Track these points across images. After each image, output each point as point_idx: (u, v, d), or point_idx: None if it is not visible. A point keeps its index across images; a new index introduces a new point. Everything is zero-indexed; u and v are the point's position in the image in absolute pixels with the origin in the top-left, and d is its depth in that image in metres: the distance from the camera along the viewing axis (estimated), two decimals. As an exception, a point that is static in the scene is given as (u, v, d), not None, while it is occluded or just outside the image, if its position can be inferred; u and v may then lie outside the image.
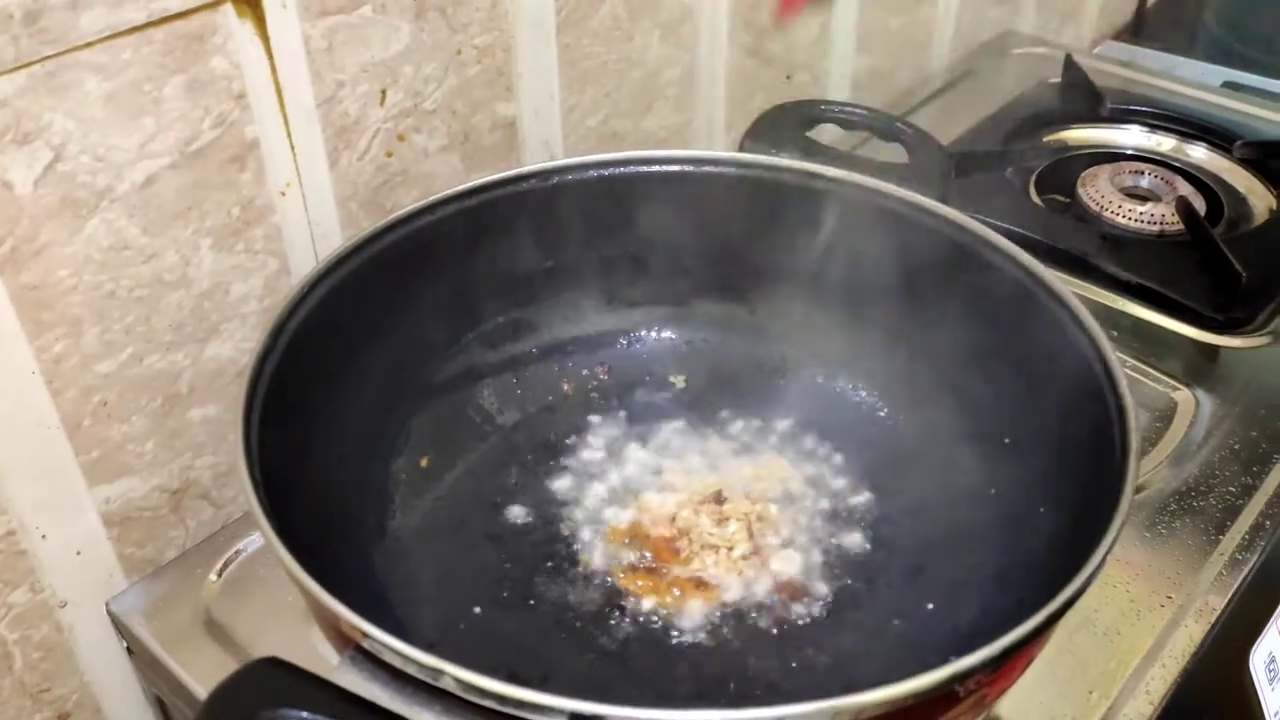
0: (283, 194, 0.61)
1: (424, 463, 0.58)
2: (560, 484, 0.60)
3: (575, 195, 0.60)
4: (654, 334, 0.65)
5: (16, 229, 0.52)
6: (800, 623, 0.53)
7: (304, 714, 0.34)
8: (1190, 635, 0.56)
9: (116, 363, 0.58)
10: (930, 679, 0.36)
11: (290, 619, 0.56)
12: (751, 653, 0.51)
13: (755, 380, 0.65)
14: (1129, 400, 0.47)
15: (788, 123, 0.65)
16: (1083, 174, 0.89)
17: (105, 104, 0.53)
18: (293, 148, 0.61)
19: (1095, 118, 0.96)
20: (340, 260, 0.55)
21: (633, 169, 0.61)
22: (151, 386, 0.59)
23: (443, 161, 0.69)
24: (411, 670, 0.37)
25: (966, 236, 0.57)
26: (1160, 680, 0.54)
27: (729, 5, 0.83)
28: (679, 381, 0.65)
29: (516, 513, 0.58)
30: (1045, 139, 0.95)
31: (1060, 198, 0.89)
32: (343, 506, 0.52)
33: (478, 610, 0.52)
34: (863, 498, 0.59)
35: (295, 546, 0.41)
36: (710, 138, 0.88)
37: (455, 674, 0.36)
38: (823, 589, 0.54)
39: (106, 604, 0.60)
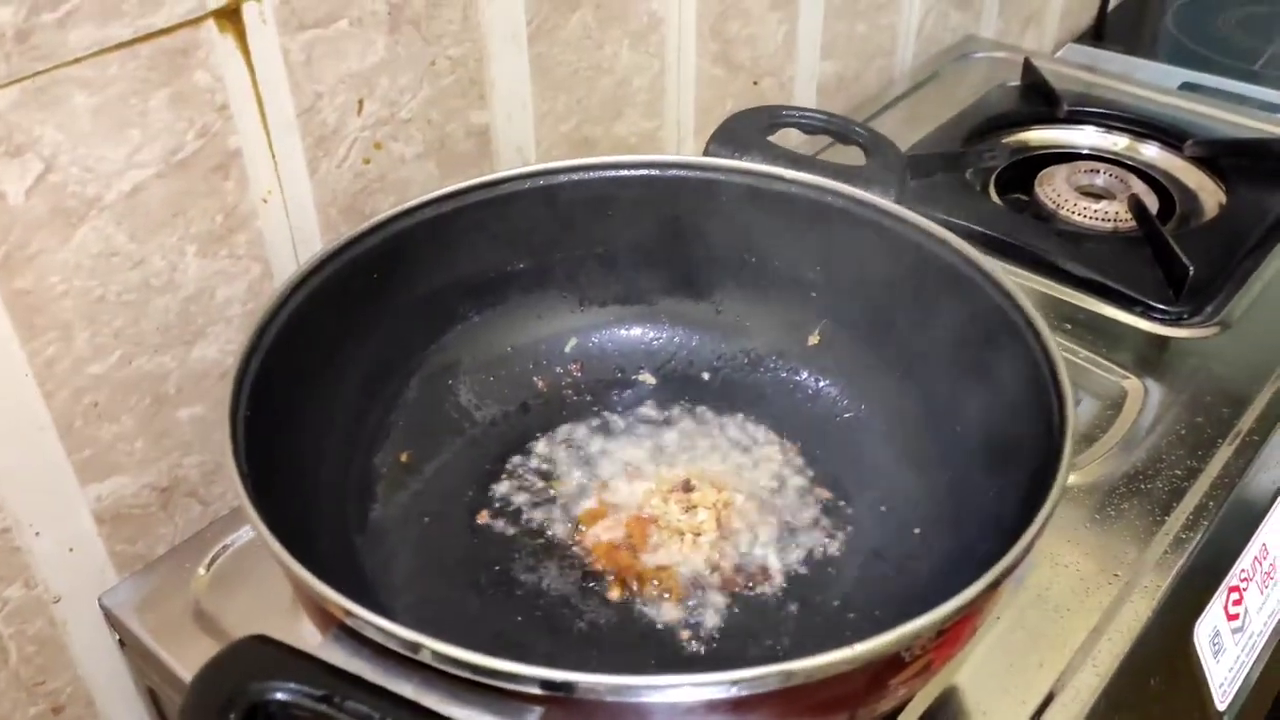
0: (265, 201, 0.64)
1: (404, 457, 0.61)
2: (535, 476, 0.62)
3: (544, 199, 0.63)
4: (624, 332, 0.68)
5: (9, 237, 0.54)
6: (765, 606, 0.56)
7: (291, 685, 0.37)
8: (1136, 611, 0.59)
9: (106, 365, 0.60)
10: (876, 643, 0.38)
11: (277, 609, 0.59)
12: (720, 635, 0.54)
13: (721, 375, 0.67)
14: (1067, 386, 0.50)
15: (751, 127, 0.68)
16: (1040, 174, 0.92)
17: (93, 117, 0.55)
18: (274, 156, 0.63)
19: (1053, 119, 0.99)
20: (320, 264, 0.57)
21: (599, 173, 0.63)
22: (140, 387, 0.62)
23: (419, 168, 0.71)
24: (391, 645, 0.39)
25: (912, 232, 0.60)
26: (1107, 654, 0.56)
27: (696, 14, 0.86)
28: (648, 378, 0.68)
29: (494, 504, 0.60)
30: (1004, 140, 0.98)
31: (1019, 196, 0.92)
32: (326, 498, 0.55)
33: (456, 595, 0.55)
34: (823, 488, 0.61)
35: (281, 536, 0.43)
36: (680, 143, 0.91)
37: (432, 647, 0.38)
38: (786, 574, 0.57)
39: (99, 598, 0.62)
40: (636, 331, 0.68)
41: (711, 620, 0.54)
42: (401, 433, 0.61)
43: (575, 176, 0.64)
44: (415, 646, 0.39)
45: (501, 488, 0.61)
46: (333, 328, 0.58)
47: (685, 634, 0.54)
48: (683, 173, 0.65)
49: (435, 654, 0.38)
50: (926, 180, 0.89)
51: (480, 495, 0.61)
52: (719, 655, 0.53)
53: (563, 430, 0.64)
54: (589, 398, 0.66)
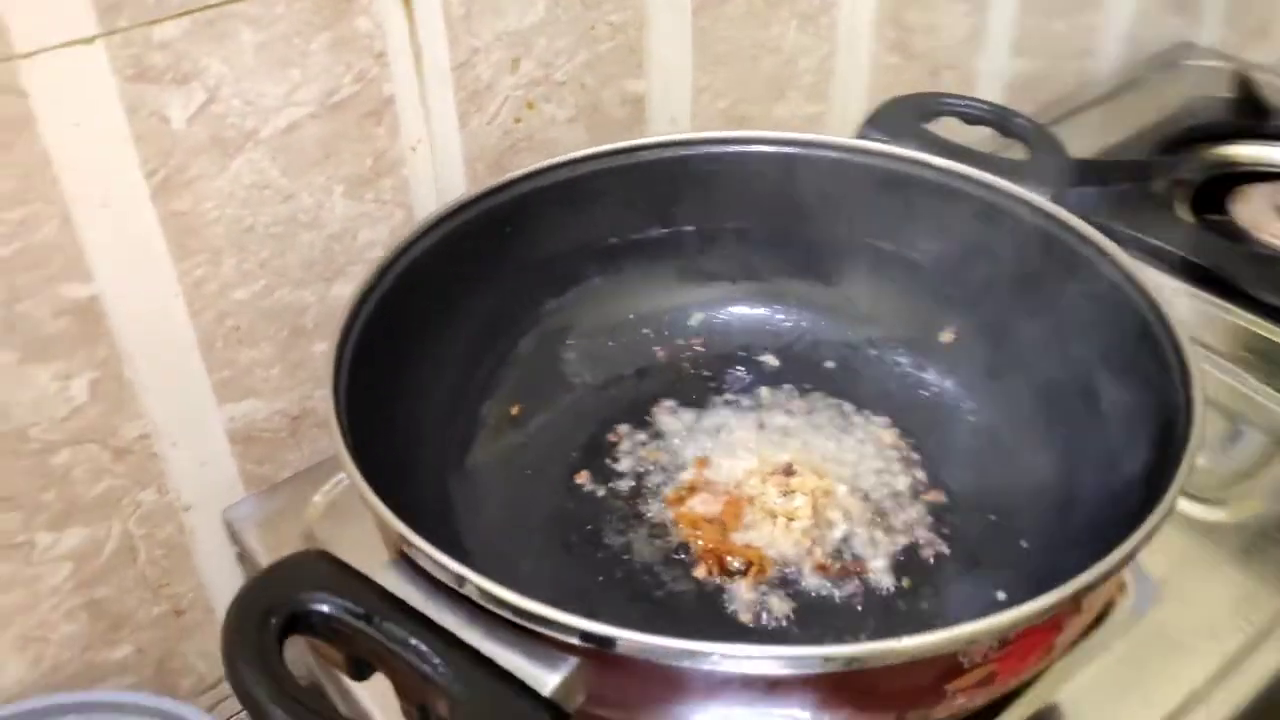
0: (413, 150, 0.66)
1: (513, 410, 0.62)
2: (640, 444, 0.62)
3: (680, 168, 0.62)
4: (750, 311, 0.67)
5: (170, 160, 0.57)
6: (848, 600, 0.54)
7: (335, 599, 0.38)
8: (1265, 664, 0.54)
9: (250, 292, 0.63)
10: (927, 640, 0.36)
11: (379, 546, 0.60)
12: (792, 621, 0.52)
13: (845, 363, 0.65)
14: (1199, 421, 0.46)
15: (908, 113, 0.66)
16: (1237, 191, 0.86)
17: (257, 53, 0.58)
18: (426, 107, 0.65)
19: (1260, 134, 0.91)
20: (448, 215, 0.58)
21: (739, 147, 0.63)
22: (280, 318, 0.65)
23: (569, 131, 0.72)
24: (440, 575, 0.39)
25: (1067, 236, 0.57)
26: (1223, 704, 0.52)
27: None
28: (770, 359, 0.66)
29: (595, 466, 0.60)
30: (1202, 153, 0.91)
31: (1212, 214, 0.86)
32: (428, 439, 0.56)
33: (538, 547, 0.55)
34: (933, 488, 0.59)
35: (365, 461, 0.45)
36: (844, 131, 0.88)
37: (477, 582, 0.39)
38: (877, 570, 0.55)
39: (223, 512, 0.66)
40: (762, 311, 0.67)
41: (787, 606, 0.53)
42: (512, 386, 0.62)
43: (713, 149, 0.63)
44: (461, 580, 0.39)
45: (605, 451, 0.61)
46: (455, 276, 0.59)
47: (759, 615, 0.52)
48: (827, 153, 0.64)
49: (480, 590, 0.39)
50: (1107, 188, 0.83)
51: (583, 456, 0.61)
52: (783, 638, 0.51)
53: (675, 401, 0.64)
54: (707, 373, 0.65)
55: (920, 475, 0.60)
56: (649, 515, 0.58)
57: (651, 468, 0.61)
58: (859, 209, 0.63)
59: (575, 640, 0.38)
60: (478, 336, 0.60)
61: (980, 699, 0.41)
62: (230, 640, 0.37)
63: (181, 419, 0.63)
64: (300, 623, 0.38)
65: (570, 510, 0.58)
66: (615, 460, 0.61)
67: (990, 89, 0.97)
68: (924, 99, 0.67)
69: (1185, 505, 0.60)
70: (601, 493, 0.59)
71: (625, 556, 0.56)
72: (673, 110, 0.77)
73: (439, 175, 0.68)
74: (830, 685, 0.37)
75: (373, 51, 0.62)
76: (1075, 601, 0.38)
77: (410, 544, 0.40)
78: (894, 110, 0.66)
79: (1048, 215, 0.58)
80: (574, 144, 0.73)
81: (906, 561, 0.55)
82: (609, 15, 0.70)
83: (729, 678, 0.38)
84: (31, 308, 0.56)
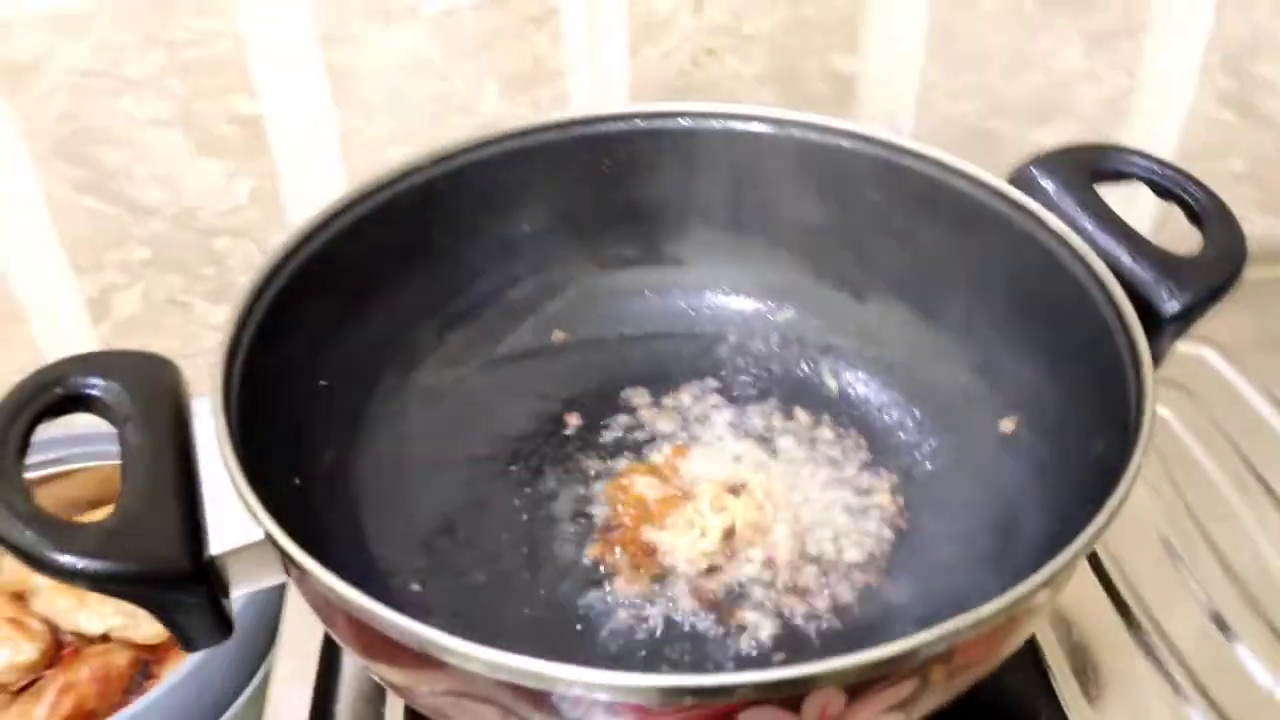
0: (575, 65, 0.67)
1: (557, 336, 0.62)
2: (645, 410, 0.60)
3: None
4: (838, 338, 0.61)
5: (336, 15, 0.64)
6: (705, 636, 0.49)
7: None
8: None
9: (399, 154, 0.69)
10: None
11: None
12: (631, 638, 0.49)
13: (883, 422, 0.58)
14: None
15: (1080, 165, 0.55)
16: None
17: (429, -67, 0.62)
18: (594, 26, 0.66)
19: None
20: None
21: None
22: (421, 186, 0.70)
23: (756, 90, 0.69)
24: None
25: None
26: None
27: (1206, 35, 0.69)
28: (831, 382, 0.60)
29: (586, 411, 0.59)
30: None
31: None
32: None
33: (461, 456, 0.56)
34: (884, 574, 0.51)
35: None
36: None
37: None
38: (757, 624, 0.49)
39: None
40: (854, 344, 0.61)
41: (639, 619, 0.49)
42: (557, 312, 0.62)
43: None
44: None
45: (612, 407, 0.60)
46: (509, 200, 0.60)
47: (602, 618, 0.50)
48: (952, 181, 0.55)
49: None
50: None
51: (588, 402, 0.60)
52: (608, 652, 0.48)
53: (702, 387, 0.61)
54: (747, 377, 0.61)
55: (884, 551, 0.52)
56: (592, 473, 0.56)
57: (640, 436, 0.58)
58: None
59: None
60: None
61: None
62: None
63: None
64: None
65: (535, 442, 0.58)
66: (612, 415, 0.59)
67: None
68: (1100, 153, 0.55)
69: None
70: (571, 435, 0.58)
71: (548, 500, 0.55)
72: (891, 103, 0.70)
73: (602, 99, 0.68)
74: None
75: (546, -45, 0.63)
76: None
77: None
78: (1063, 159, 0.55)
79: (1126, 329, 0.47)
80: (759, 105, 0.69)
81: (795, 621, 0.49)
82: (826, -21, 0.66)
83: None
84: (206, 109, 0.66)
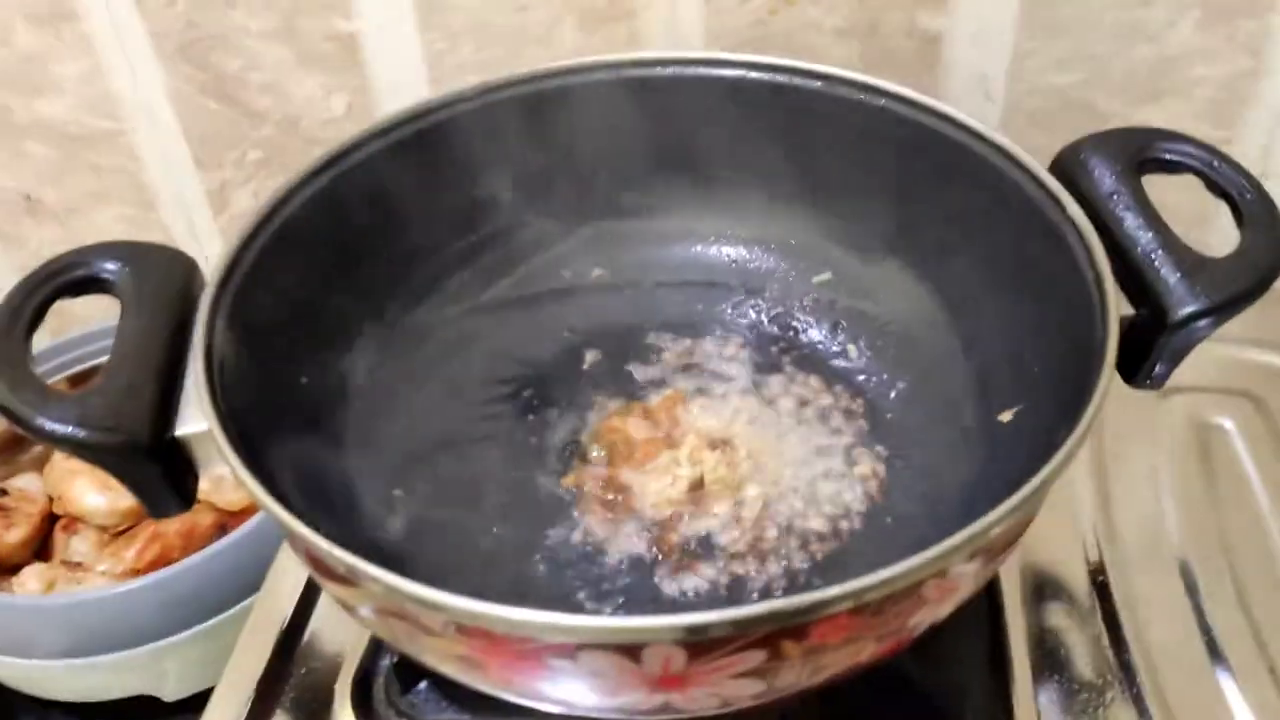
0: (649, 7, 0.67)
1: (596, 274, 0.63)
2: (667, 353, 0.60)
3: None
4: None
5: (423, -59, 0.66)
6: (656, 587, 0.50)
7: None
8: None
9: (478, 78, 0.71)
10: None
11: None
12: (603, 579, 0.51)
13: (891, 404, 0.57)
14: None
15: (1124, 153, 0.51)
16: None
17: None
18: (672, -33, 0.66)
19: None
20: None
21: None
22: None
23: (836, 44, 0.67)
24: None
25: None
26: None
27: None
28: (853, 350, 0.59)
29: (603, 348, 0.61)
30: None
31: None
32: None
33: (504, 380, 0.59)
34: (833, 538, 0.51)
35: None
36: (1263, 173, 0.69)
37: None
38: (711, 578, 0.50)
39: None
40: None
41: (594, 555, 0.51)
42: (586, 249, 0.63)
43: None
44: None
45: (630, 345, 0.61)
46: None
47: (563, 548, 0.51)
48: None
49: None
50: None
51: (611, 340, 0.61)
52: (553, 590, 0.50)
53: (727, 340, 0.61)
54: (775, 329, 0.61)
55: (850, 526, 0.51)
56: (593, 408, 0.58)
57: (650, 375, 0.59)
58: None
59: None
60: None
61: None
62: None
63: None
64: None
65: (549, 368, 0.59)
66: (627, 356, 0.60)
67: None
68: (1162, 141, 0.51)
69: None
70: (587, 369, 0.60)
71: (546, 429, 0.57)
72: (982, 65, 0.67)
73: (677, 40, 0.68)
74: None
75: (628, -105, 0.63)
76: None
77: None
78: (1107, 146, 0.51)
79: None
80: (840, 59, 0.68)
81: (733, 582, 0.50)
82: (916, -70, 0.63)
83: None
84: (308, 25, 0.70)
